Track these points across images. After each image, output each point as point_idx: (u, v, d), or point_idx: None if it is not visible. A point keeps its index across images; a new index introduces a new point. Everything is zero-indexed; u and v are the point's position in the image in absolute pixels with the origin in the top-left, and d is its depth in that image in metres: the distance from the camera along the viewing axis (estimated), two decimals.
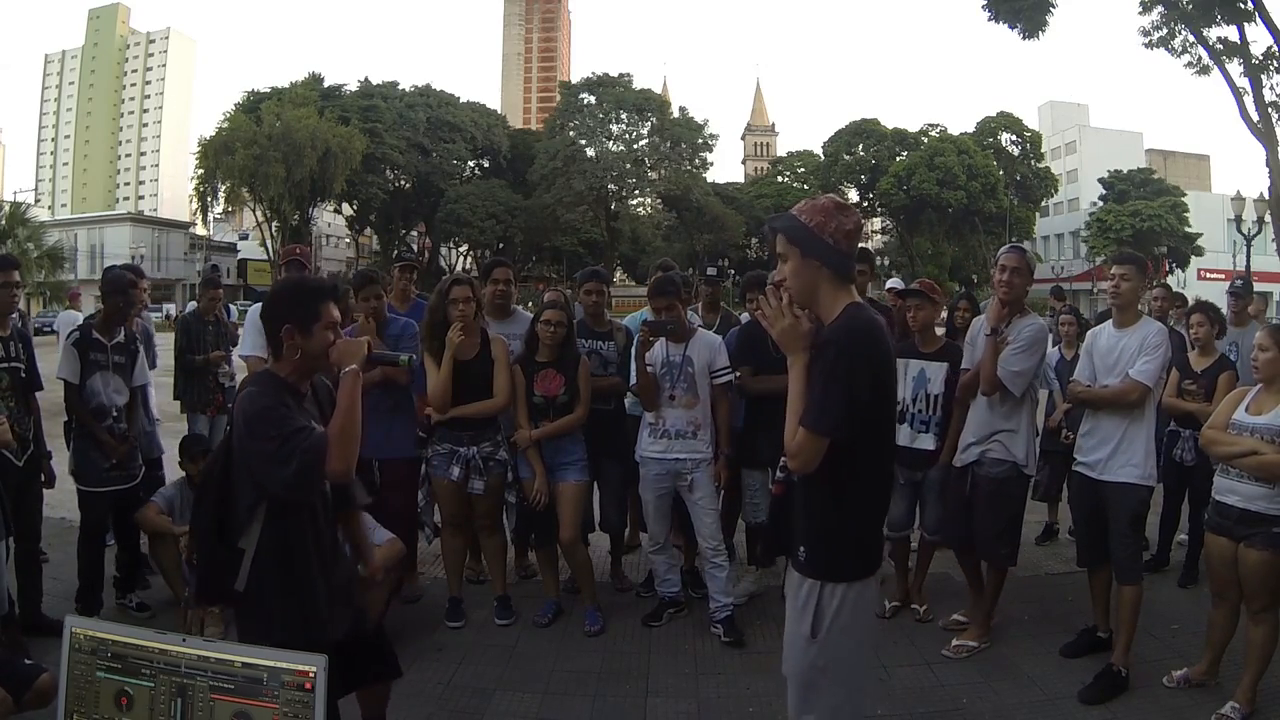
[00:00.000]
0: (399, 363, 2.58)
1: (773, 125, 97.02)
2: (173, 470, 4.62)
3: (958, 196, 45.81)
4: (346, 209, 51.77)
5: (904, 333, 4.17)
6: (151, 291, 4.95)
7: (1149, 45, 19.53)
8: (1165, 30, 19.23)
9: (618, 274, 52.64)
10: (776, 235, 2.08)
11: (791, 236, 2.03)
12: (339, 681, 2.17)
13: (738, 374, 3.97)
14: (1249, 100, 17.94)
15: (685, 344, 3.87)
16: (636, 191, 50.17)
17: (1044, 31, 19.13)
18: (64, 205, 77.18)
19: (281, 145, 40.10)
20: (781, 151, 70.96)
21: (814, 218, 2.02)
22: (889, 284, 5.93)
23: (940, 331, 5.20)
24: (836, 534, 2.02)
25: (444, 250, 53.65)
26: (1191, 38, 18.83)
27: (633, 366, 4.00)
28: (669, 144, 47.91)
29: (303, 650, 1.93)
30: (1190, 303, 5.83)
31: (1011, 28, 19.28)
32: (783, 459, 2.08)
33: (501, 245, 47.01)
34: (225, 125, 42.99)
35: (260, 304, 4.28)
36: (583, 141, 47.84)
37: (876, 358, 1.99)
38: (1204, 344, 4.55)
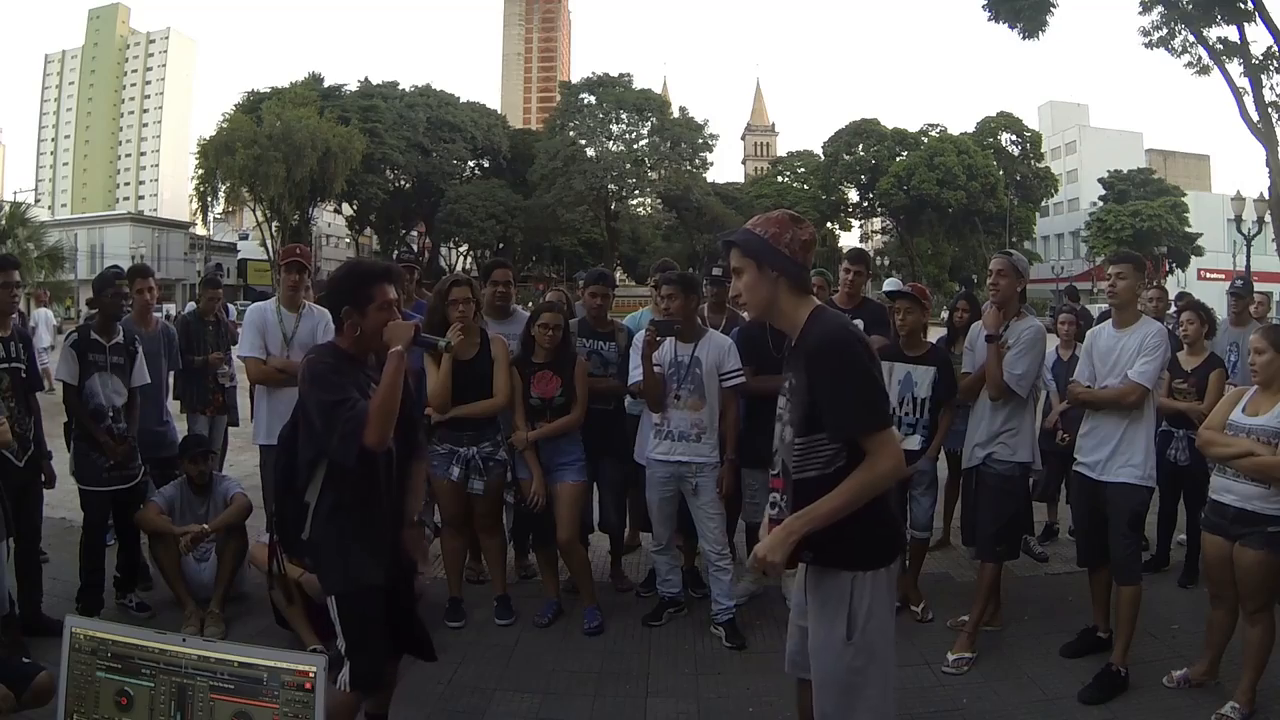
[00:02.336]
0: (438, 346, 2.72)
1: (773, 125, 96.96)
2: None
3: (958, 196, 45.75)
4: (346, 209, 51.72)
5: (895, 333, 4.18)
6: (156, 291, 4.97)
7: (1149, 45, 19.55)
8: (1165, 30, 19.25)
9: (618, 274, 52.61)
10: (731, 249, 2.10)
11: (747, 249, 2.06)
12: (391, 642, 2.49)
13: None
14: (1249, 100, 17.95)
15: (694, 344, 3.82)
16: (636, 191, 50.11)
17: (1044, 31, 19.15)
18: (64, 205, 77.14)
19: (281, 145, 40.04)
20: (781, 151, 70.85)
21: (769, 229, 2.06)
22: (886, 284, 5.93)
23: (942, 332, 5.22)
24: (862, 519, 1.98)
25: (444, 250, 53.63)
26: (1191, 38, 18.85)
27: (630, 366, 4.01)
28: (669, 144, 47.86)
29: (358, 593, 2.33)
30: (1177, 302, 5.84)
31: (1011, 28, 19.29)
32: (775, 496, 2.14)
33: (501, 245, 46.97)
34: (225, 125, 42.94)
35: (256, 304, 4.33)
36: (583, 141, 47.80)
37: (868, 347, 2.06)
38: (1194, 343, 4.55)
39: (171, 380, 5.59)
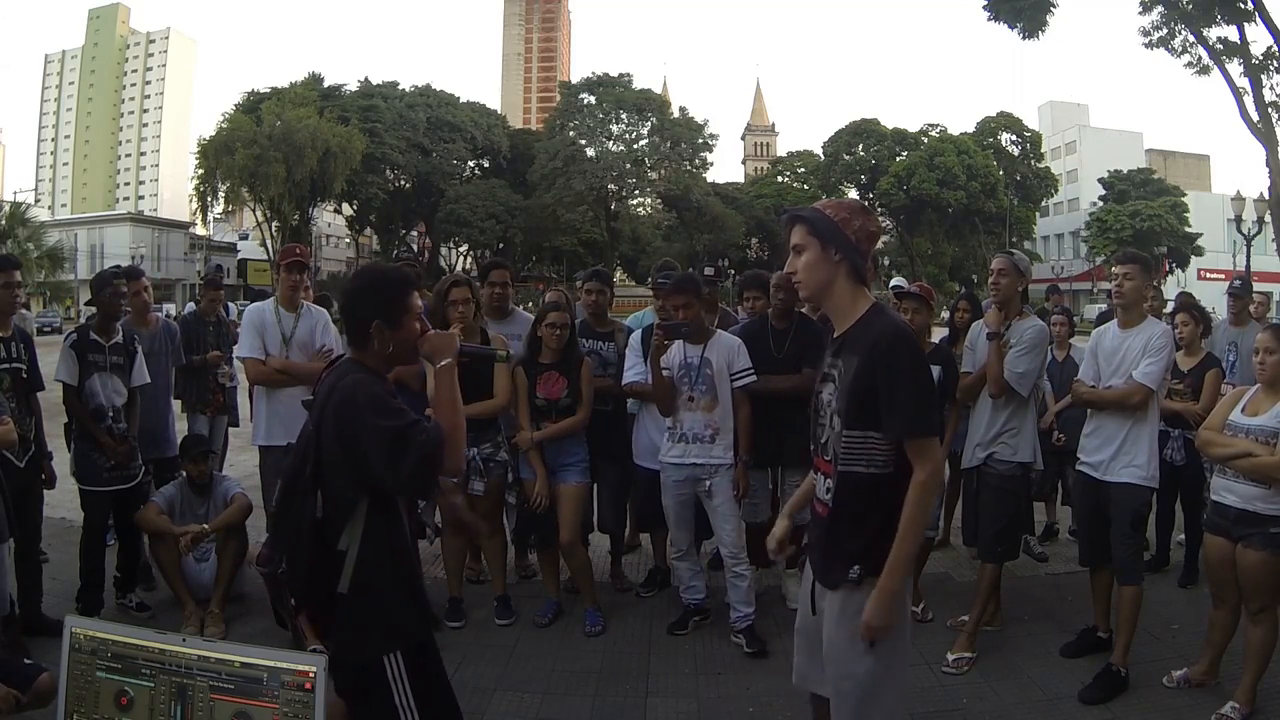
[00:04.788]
0: (497, 357, 2.53)
1: (773, 125, 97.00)
2: None
3: (958, 196, 45.78)
4: (346, 209, 51.73)
5: None
6: (152, 291, 4.94)
7: (1149, 45, 19.56)
8: (1165, 30, 19.25)
9: (618, 274, 52.60)
10: (795, 226, 2.07)
11: (814, 228, 2.03)
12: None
13: None
14: (1249, 100, 17.96)
15: (704, 345, 3.77)
16: (636, 191, 50.10)
17: (1044, 31, 19.18)
18: (64, 205, 77.17)
19: (281, 145, 40.02)
20: (781, 151, 70.92)
21: (839, 213, 2.04)
22: (893, 283, 5.94)
23: (944, 332, 5.22)
24: (890, 530, 1.95)
25: (444, 250, 53.61)
26: (1191, 38, 18.85)
27: (625, 366, 3.98)
28: (669, 144, 47.83)
29: (416, 639, 2.08)
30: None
31: (1011, 28, 19.31)
32: (826, 482, 2.06)
33: (501, 245, 46.94)
34: (225, 125, 42.93)
35: (254, 304, 4.30)
36: (583, 141, 47.78)
37: (923, 352, 2.08)
38: (1189, 343, 4.55)
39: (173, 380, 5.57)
